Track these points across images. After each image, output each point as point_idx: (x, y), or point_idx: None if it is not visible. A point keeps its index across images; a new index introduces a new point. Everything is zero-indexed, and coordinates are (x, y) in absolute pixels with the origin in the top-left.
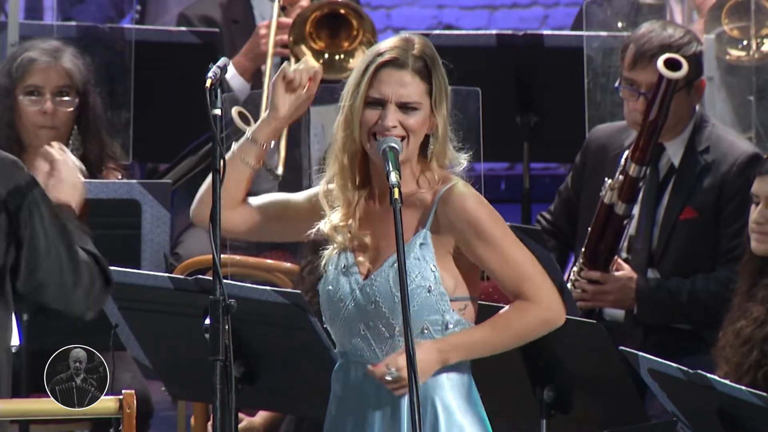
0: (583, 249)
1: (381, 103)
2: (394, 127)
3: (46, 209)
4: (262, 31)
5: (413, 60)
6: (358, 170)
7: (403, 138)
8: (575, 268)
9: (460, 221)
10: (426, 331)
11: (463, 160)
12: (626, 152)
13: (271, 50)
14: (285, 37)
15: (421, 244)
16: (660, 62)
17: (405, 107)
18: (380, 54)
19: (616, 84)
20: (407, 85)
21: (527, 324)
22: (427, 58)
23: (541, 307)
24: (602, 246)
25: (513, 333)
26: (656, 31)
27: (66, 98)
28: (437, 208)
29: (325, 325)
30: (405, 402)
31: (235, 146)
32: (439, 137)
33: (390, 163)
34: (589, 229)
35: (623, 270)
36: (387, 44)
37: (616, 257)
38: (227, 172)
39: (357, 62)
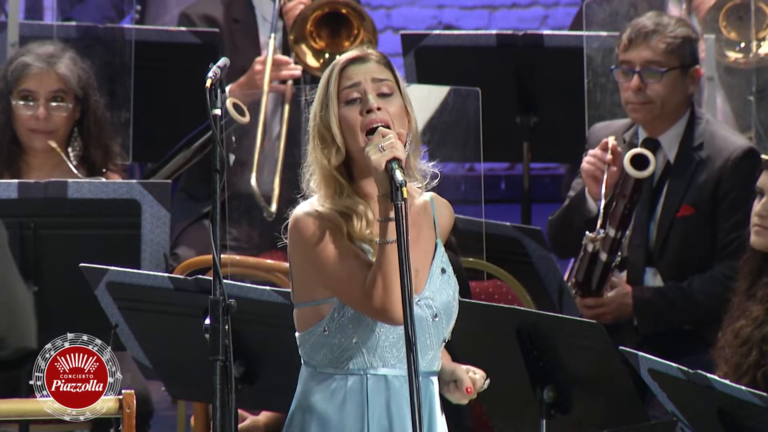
0: (573, 279)
1: (357, 91)
2: (379, 109)
3: None
4: (258, 67)
5: (372, 55)
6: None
7: (387, 126)
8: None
9: (449, 225)
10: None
11: (429, 168)
12: (602, 208)
13: (266, 87)
14: (281, 73)
15: (443, 253)
16: (626, 160)
17: (382, 95)
18: (340, 60)
19: (612, 67)
20: (376, 70)
21: None
22: (384, 57)
23: None
24: (592, 281)
25: None
26: (651, 17)
27: (61, 104)
28: (435, 213)
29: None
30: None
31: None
32: (413, 136)
33: (393, 162)
34: (576, 266)
35: (617, 287)
36: (344, 54)
37: (609, 275)
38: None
39: None
